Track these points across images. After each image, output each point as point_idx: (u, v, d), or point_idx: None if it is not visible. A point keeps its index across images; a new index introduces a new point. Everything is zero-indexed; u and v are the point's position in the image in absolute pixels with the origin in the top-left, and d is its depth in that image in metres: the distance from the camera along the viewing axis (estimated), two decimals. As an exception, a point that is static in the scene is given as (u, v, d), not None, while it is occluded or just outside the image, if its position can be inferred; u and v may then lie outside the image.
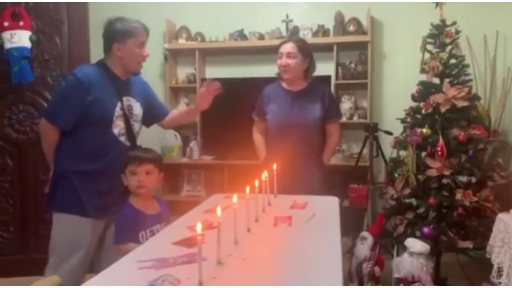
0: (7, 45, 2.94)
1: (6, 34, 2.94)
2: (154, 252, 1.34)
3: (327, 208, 1.94)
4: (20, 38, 2.95)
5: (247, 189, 1.58)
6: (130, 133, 2.17)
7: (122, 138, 2.14)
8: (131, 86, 2.21)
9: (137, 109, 2.23)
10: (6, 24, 2.94)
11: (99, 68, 2.15)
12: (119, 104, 2.11)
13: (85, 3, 3.15)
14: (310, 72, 2.72)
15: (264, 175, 1.83)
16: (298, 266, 1.24)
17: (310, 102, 2.65)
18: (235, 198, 1.40)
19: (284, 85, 2.73)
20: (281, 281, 1.14)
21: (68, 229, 2.08)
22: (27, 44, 2.98)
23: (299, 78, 2.68)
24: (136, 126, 2.22)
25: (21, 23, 2.97)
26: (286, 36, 3.77)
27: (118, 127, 2.12)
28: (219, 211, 1.23)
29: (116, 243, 1.96)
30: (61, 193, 2.10)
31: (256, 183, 1.66)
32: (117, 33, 2.11)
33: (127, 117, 2.14)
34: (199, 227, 1.07)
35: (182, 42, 3.94)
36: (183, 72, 4.06)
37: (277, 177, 2.00)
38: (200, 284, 1.06)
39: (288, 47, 2.63)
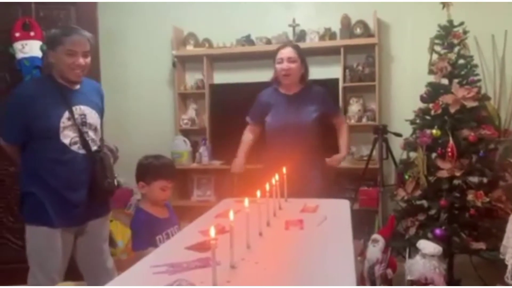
0: (19, 55, 2.99)
1: (18, 45, 2.98)
2: (167, 257, 1.36)
3: (338, 211, 1.94)
4: (31, 48, 2.99)
5: (258, 193, 1.59)
6: (84, 142, 2.15)
7: (75, 147, 2.12)
8: (83, 95, 2.19)
9: (92, 118, 2.20)
10: (17, 34, 2.99)
11: (43, 80, 2.20)
12: (66, 114, 2.09)
13: (95, 13, 3.19)
14: (306, 76, 2.77)
15: (275, 179, 1.84)
16: (311, 270, 1.24)
17: (306, 104, 2.70)
18: (246, 202, 1.41)
19: (280, 89, 2.77)
20: (295, 285, 1.14)
21: (38, 240, 2.12)
22: (38, 53, 3.01)
23: (296, 82, 2.73)
24: (91, 133, 2.19)
25: (32, 34, 3.02)
26: (293, 41, 3.79)
27: (69, 137, 2.10)
28: (231, 215, 1.24)
29: (136, 249, 1.99)
30: (29, 206, 2.14)
31: (267, 187, 1.68)
32: (50, 40, 2.13)
33: (78, 126, 2.13)
34: (212, 232, 1.08)
35: (190, 49, 3.98)
36: (191, 78, 4.10)
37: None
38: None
39: (288, 52, 2.68)
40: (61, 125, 2.09)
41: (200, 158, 3.90)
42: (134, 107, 4.09)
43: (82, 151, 2.15)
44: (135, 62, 4.17)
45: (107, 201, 2.34)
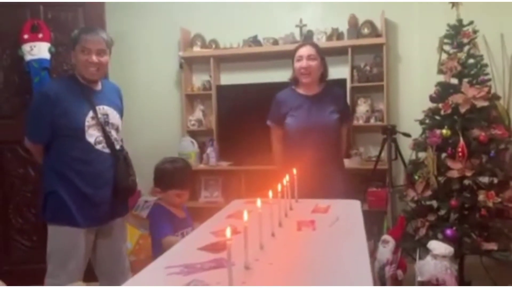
0: (27, 57, 3.00)
1: (26, 47, 3.00)
2: (181, 257, 1.35)
3: (350, 212, 1.93)
4: (40, 50, 3.01)
5: (270, 194, 1.58)
6: (108, 141, 2.19)
7: (99, 146, 2.17)
8: (105, 95, 2.25)
9: (114, 118, 2.26)
10: (26, 36, 3.01)
11: (68, 80, 2.23)
12: (90, 114, 2.14)
13: (102, 15, 3.20)
14: (325, 76, 2.75)
15: (286, 179, 1.83)
16: (327, 270, 1.23)
17: (326, 105, 2.66)
18: (259, 202, 1.40)
19: (298, 90, 2.73)
20: (312, 285, 1.13)
21: (61, 240, 2.16)
22: (47, 55, 3.03)
23: (316, 81, 2.69)
24: (113, 133, 2.24)
25: (40, 35, 3.03)
26: (300, 41, 3.78)
27: (93, 136, 2.15)
28: (245, 215, 1.23)
29: (159, 237, 2.01)
30: (52, 206, 2.17)
31: (279, 187, 1.67)
32: (71, 41, 2.19)
33: (102, 126, 2.17)
34: (228, 232, 1.07)
35: (196, 50, 3.97)
36: (198, 80, 4.10)
37: (299, 182, 2.00)
38: (231, 288, 1.07)
39: (308, 49, 2.64)
40: (86, 124, 2.13)
41: (207, 159, 3.89)
42: (141, 108, 4.09)
43: (106, 150, 2.19)
44: (142, 64, 4.18)
45: (127, 200, 2.40)
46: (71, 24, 3.17)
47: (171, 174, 2.17)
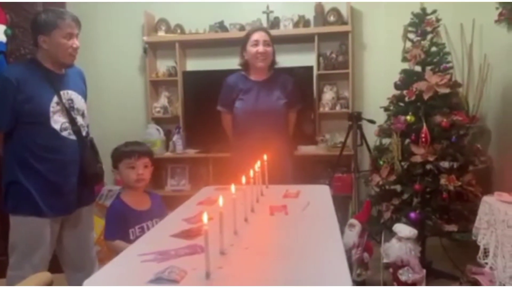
0: (-19, 40, 2.83)
1: (-21, 29, 2.83)
2: (154, 245, 1.33)
3: (320, 197, 1.95)
4: (-5, 32, 2.85)
5: (243, 179, 1.58)
6: (74, 127, 2.12)
7: (65, 133, 2.09)
8: (69, 80, 2.18)
9: (79, 103, 2.19)
10: (-22, 18, 2.83)
11: (29, 64, 2.14)
12: (55, 99, 2.06)
13: (62, -4, 3.06)
14: (274, 63, 2.81)
15: (257, 165, 1.83)
16: (302, 253, 1.24)
17: (274, 90, 2.73)
18: (233, 188, 1.40)
19: (248, 75, 2.78)
20: (289, 268, 1.14)
21: (25, 231, 2.08)
22: (2, 38, 2.86)
23: (267, 67, 2.75)
24: (79, 119, 2.17)
25: (-5, 17, 2.86)
26: (267, 27, 3.76)
27: (59, 122, 2.07)
28: (221, 201, 1.22)
29: (105, 238, 1.96)
30: (15, 196, 2.08)
31: (251, 173, 1.67)
32: (42, 26, 2.07)
33: (67, 111, 2.10)
34: (205, 218, 1.06)
35: (161, 35, 3.88)
36: (163, 65, 4.01)
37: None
38: (208, 274, 1.06)
39: (264, 35, 2.70)
40: (51, 109, 2.04)
41: (173, 147, 3.84)
42: (104, 94, 3.96)
43: (73, 137, 2.11)
44: (104, 48, 4.04)
45: (94, 188, 2.33)
46: (29, 6, 3.01)
47: (119, 147, 2.12)
